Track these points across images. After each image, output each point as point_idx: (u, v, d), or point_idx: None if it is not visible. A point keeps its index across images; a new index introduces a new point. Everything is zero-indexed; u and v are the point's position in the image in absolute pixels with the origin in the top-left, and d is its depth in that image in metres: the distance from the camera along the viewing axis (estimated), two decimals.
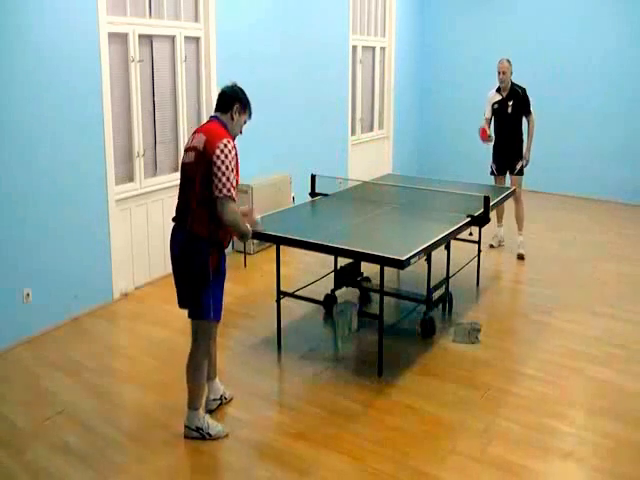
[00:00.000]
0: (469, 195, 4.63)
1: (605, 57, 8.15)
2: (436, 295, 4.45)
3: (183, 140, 5.52)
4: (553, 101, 8.51)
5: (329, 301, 4.62)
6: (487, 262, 5.51)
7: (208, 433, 3.16)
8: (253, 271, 5.61)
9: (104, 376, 3.82)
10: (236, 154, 3.00)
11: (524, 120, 5.99)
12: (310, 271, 5.27)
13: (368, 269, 4.68)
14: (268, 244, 5.79)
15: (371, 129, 8.65)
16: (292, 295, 4.24)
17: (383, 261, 3.52)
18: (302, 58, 6.80)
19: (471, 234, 4.62)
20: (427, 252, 3.81)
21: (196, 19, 5.54)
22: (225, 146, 2.89)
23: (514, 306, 4.88)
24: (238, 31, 5.83)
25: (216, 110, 3.13)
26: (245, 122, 3.19)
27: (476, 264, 5.27)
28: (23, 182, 4.14)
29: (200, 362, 3.15)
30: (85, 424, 3.30)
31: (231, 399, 3.54)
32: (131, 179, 5.09)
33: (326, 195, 4.97)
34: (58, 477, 2.90)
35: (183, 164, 3.06)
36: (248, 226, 3.08)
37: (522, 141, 6.00)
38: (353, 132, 8.07)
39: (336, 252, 3.97)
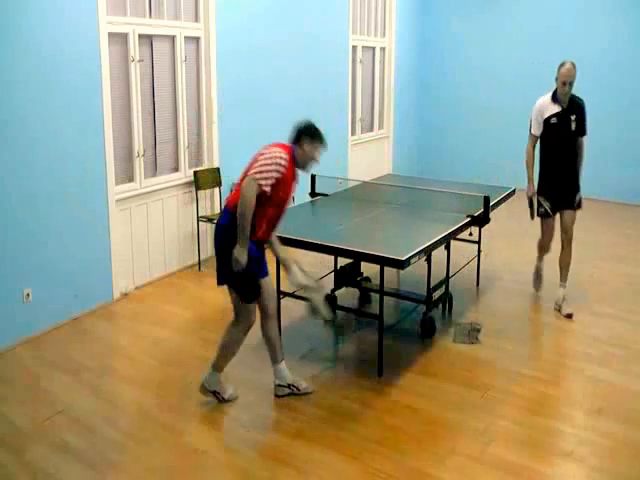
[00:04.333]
0: (469, 195, 4.63)
1: (604, 57, 8.15)
2: (436, 295, 4.45)
3: (183, 140, 5.53)
4: None
5: (329, 301, 4.62)
6: (487, 262, 5.51)
7: (222, 397, 3.50)
8: None
9: (104, 376, 3.82)
10: (289, 174, 3.29)
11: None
12: (310, 271, 5.25)
13: (368, 269, 4.68)
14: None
15: (371, 129, 8.66)
16: (292, 295, 4.24)
17: (383, 261, 3.52)
18: (302, 59, 6.80)
19: (471, 234, 4.61)
20: (427, 252, 3.81)
21: (196, 19, 5.54)
22: (279, 153, 3.24)
23: (514, 306, 4.87)
24: (238, 31, 5.83)
25: (292, 140, 3.48)
26: (318, 151, 3.56)
27: (476, 264, 5.27)
28: (23, 182, 4.14)
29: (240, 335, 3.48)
30: (85, 424, 3.30)
31: (307, 393, 3.59)
32: (131, 179, 5.09)
33: (326, 195, 4.97)
34: (58, 477, 2.90)
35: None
36: (247, 230, 3.13)
37: (579, 171, 4.72)
38: (353, 132, 8.07)
39: (336, 252, 3.97)
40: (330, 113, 7.41)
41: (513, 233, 6.72)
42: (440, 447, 3.12)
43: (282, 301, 4.17)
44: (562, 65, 4.52)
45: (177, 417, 3.37)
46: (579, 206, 4.69)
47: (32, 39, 4.08)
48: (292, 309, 4.56)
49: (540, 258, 5.01)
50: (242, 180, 3.22)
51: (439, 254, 4.27)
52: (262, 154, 3.23)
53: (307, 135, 3.48)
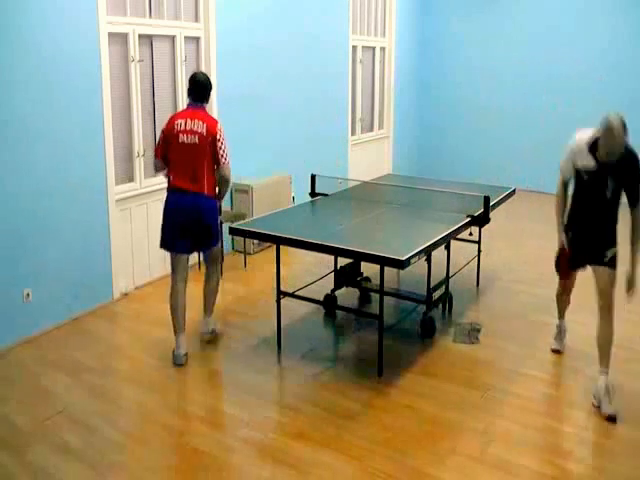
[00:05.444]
0: (469, 195, 4.63)
1: (604, 57, 8.15)
2: (436, 295, 4.45)
3: None
4: (552, 101, 8.53)
5: (329, 301, 4.63)
6: (487, 262, 5.51)
7: (216, 331, 4.31)
8: (253, 271, 5.61)
9: (104, 376, 3.82)
10: None
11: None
12: (310, 271, 5.27)
13: (368, 269, 4.68)
14: (268, 244, 5.79)
15: (371, 129, 8.66)
16: (292, 295, 4.24)
17: (383, 261, 3.52)
18: (302, 59, 6.80)
19: (471, 234, 4.62)
20: (427, 252, 3.81)
21: (196, 19, 5.54)
22: (221, 127, 3.89)
23: (514, 306, 4.88)
24: (238, 31, 5.84)
25: (201, 100, 3.93)
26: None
27: (476, 264, 5.27)
28: (23, 182, 4.13)
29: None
30: (85, 424, 3.30)
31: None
32: (131, 179, 5.09)
33: (326, 195, 4.97)
34: (58, 477, 2.90)
35: (187, 144, 3.82)
36: None
37: (616, 225, 3.76)
38: (353, 132, 8.07)
39: (336, 252, 3.97)
40: (330, 113, 7.41)
41: (513, 233, 6.73)
42: (440, 447, 3.12)
43: (282, 301, 4.16)
44: (607, 128, 3.18)
45: (177, 417, 3.37)
46: (612, 264, 3.63)
47: (32, 39, 4.08)
48: (292, 309, 4.56)
49: (560, 313, 4.19)
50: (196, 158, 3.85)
51: (439, 254, 4.27)
52: (218, 140, 3.84)
53: (211, 89, 4.01)
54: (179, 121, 3.84)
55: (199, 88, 3.89)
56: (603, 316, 3.63)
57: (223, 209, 4.46)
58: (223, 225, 4.34)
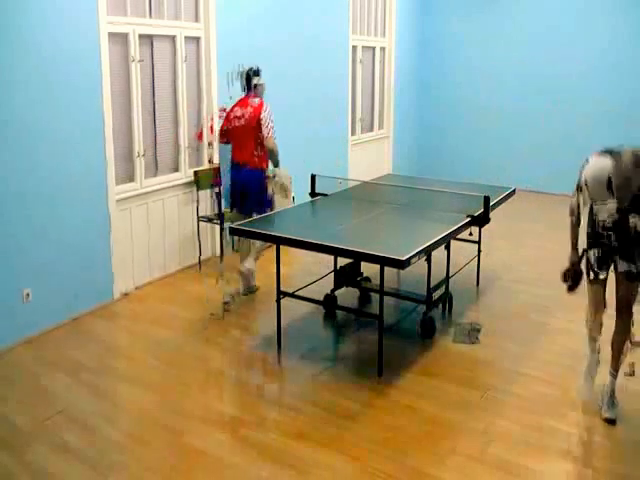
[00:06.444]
0: (469, 195, 4.63)
1: (604, 57, 8.15)
2: (436, 295, 4.45)
3: (183, 140, 5.53)
4: (552, 101, 8.52)
5: (329, 301, 4.63)
6: (487, 262, 5.51)
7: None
8: None
9: (104, 376, 3.82)
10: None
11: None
12: (310, 271, 5.27)
13: (368, 269, 4.68)
14: (268, 244, 5.79)
15: (371, 129, 8.66)
16: (292, 295, 4.24)
17: (383, 261, 3.52)
18: (302, 59, 6.80)
19: (471, 234, 4.61)
20: (427, 252, 3.81)
21: (196, 19, 5.54)
22: (264, 109, 4.75)
23: (514, 306, 4.87)
24: (238, 31, 5.83)
25: (247, 89, 4.88)
26: (263, 82, 4.93)
27: (476, 264, 5.27)
28: (23, 182, 4.13)
29: None
30: (85, 424, 3.30)
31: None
32: (131, 179, 5.09)
33: (326, 195, 4.97)
34: (58, 477, 2.90)
35: (234, 128, 4.83)
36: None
37: None
38: (353, 132, 8.07)
39: (336, 252, 3.97)
40: (330, 113, 7.41)
41: (513, 233, 6.73)
42: (440, 447, 3.12)
43: (282, 301, 4.16)
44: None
45: (177, 417, 3.37)
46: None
47: (32, 39, 4.08)
48: (292, 309, 4.56)
49: (592, 342, 3.61)
50: (243, 132, 4.79)
51: (439, 254, 4.27)
52: (263, 117, 4.70)
53: (253, 76, 4.84)
54: (232, 109, 4.88)
55: (243, 80, 4.88)
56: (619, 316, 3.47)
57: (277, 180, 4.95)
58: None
